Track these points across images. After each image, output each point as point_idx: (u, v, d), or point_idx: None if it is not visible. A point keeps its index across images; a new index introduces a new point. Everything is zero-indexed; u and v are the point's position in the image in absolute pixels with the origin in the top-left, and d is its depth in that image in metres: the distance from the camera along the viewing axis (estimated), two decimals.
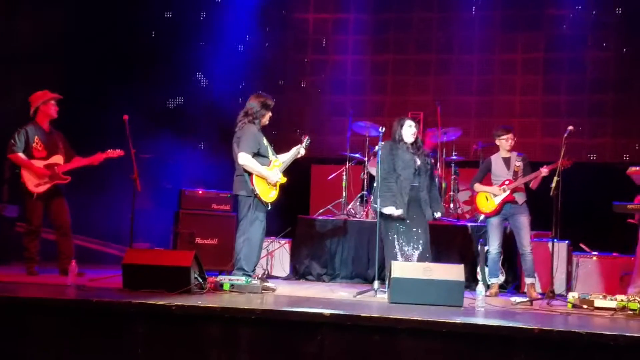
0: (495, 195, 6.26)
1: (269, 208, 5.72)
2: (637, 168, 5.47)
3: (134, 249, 5.74)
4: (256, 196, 5.63)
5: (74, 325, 4.46)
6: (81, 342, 4.43)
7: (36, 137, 6.27)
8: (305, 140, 5.97)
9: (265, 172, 5.69)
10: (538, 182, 6.14)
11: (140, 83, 8.74)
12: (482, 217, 6.49)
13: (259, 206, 5.68)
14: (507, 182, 6.24)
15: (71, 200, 6.51)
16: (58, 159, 6.30)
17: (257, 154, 5.73)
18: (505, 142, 6.31)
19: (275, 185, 5.74)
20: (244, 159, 5.62)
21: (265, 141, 5.82)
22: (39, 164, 6.24)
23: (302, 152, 5.96)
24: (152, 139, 7.66)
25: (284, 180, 5.82)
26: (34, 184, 6.19)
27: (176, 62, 9.18)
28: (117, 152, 6.35)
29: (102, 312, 4.45)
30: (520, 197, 6.22)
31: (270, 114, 5.85)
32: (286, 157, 5.92)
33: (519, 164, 6.27)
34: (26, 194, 6.22)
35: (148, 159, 7.44)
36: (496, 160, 6.39)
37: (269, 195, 5.71)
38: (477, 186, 6.43)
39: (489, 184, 6.38)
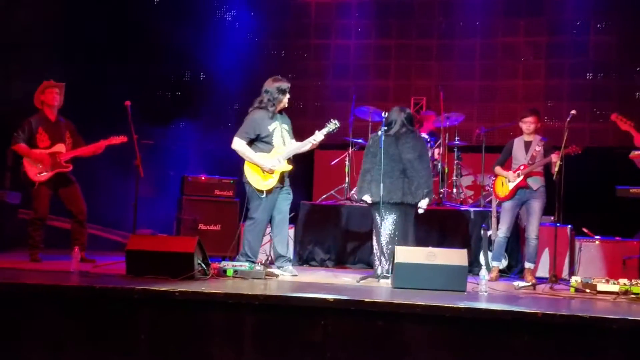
0: (510, 181, 6.24)
1: (264, 196, 5.65)
2: (638, 152, 5.45)
3: (137, 235, 5.76)
4: (247, 183, 5.66)
5: (77, 312, 4.46)
6: (84, 328, 4.44)
7: (40, 127, 6.28)
8: (328, 126, 5.79)
9: (257, 160, 5.64)
10: (555, 167, 6.08)
11: (141, 69, 8.72)
12: (496, 201, 6.46)
13: (254, 193, 5.68)
14: (522, 167, 6.21)
15: None
16: (60, 147, 6.29)
17: (259, 140, 5.70)
18: (524, 125, 6.25)
19: (271, 172, 5.69)
20: (235, 144, 5.67)
21: (274, 126, 5.72)
22: (41, 152, 6.24)
23: (319, 137, 5.78)
24: (154, 124, 7.67)
25: (287, 168, 5.76)
26: (36, 173, 6.20)
27: (177, 47, 9.14)
28: (120, 139, 6.34)
29: (106, 299, 4.46)
30: (535, 183, 6.17)
31: (288, 96, 5.78)
32: (293, 145, 5.83)
33: (539, 148, 6.18)
34: (28, 183, 6.23)
35: (151, 145, 7.44)
36: (518, 144, 6.33)
37: (265, 182, 5.66)
38: (497, 170, 6.40)
39: (511, 168, 6.32)
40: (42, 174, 6.21)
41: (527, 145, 6.27)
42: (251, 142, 5.73)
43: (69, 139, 6.39)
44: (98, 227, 8.09)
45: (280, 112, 5.84)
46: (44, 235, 6.34)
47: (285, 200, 5.83)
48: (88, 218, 6.44)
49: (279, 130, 5.76)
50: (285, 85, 5.75)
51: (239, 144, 5.66)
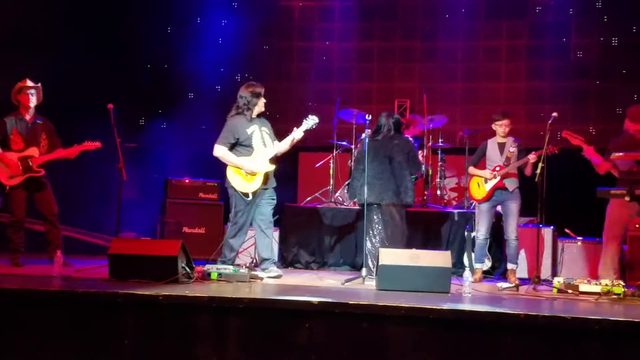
0: (486, 182, 6.28)
1: (249, 198, 5.69)
2: (621, 154, 5.52)
3: (120, 239, 5.72)
4: (230, 187, 5.74)
5: (59, 317, 4.43)
6: (67, 333, 4.41)
7: (14, 128, 6.23)
8: (306, 122, 5.84)
9: (239, 162, 5.72)
10: (531, 168, 6.12)
11: (124, 71, 8.66)
12: (473, 203, 6.51)
13: (237, 197, 5.71)
14: (497, 168, 6.25)
15: (57, 190, 6.46)
16: (33, 151, 6.22)
17: (239, 144, 5.77)
18: (499, 127, 6.31)
19: (254, 174, 5.72)
20: (216, 151, 5.77)
21: (252, 129, 5.79)
22: (12, 156, 6.17)
23: (299, 135, 5.84)
24: (138, 127, 7.62)
25: (270, 168, 5.79)
26: (7, 176, 6.14)
27: (160, 50, 9.11)
28: (95, 144, 6.29)
29: (88, 303, 4.42)
30: (510, 184, 6.23)
31: (263, 100, 5.85)
32: (275, 146, 5.86)
33: (513, 150, 6.24)
34: (1, 186, 6.18)
35: (134, 148, 7.40)
36: (492, 145, 6.37)
37: (249, 185, 5.71)
38: (472, 169, 6.44)
39: (484, 168, 6.38)
40: (13, 178, 6.15)
41: (501, 146, 6.33)
42: (232, 147, 5.79)
43: (44, 141, 6.32)
44: (80, 230, 8.02)
45: (258, 115, 5.90)
46: (24, 238, 6.28)
47: (269, 204, 5.86)
48: (71, 221, 6.39)
49: (258, 133, 5.82)
50: (259, 89, 5.84)
51: (219, 151, 5.76)
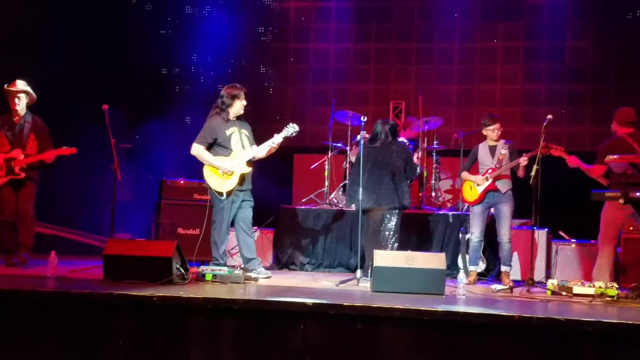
0: (478, 185, 6.29)
1: (224, 197, 5.73)
2: (615, 156, 5.53)
3: (115, 240, 5.70)
4: (207, 187, 5.82)
5: (54, 317, 4.42)
6: (61, 334, 4.40)
7: (2, 130, 6.24)
8: (286, 129, 5.90)
9: (215, 162, 5.77)
10: (523, 170, 6.14)
11: (119, 72, 8.65)
12: (465, 205, 6.53)
13: (213, 195, 5.79)
14: (489, 171, 6.27)
15: (52, 191, 6.44)
16: (16, 153, 6.22)
17: (217, 144, 5.82)
18: (491, 132, 6.32)
19: (230, 174, 5.74)
20: (193, 149, 5.83)
21: (231, 131, 5.83)
22: None
23: (278, 140, 5.87)
24: (133, 128, 7.61)
25: (246, 170, 5.82)
26: None
27: (156, 50, 9.10)
28: (70, 150, 6.29)
29: (83, 304, 4.42)
30: (503, 186, 6.24)
31: (241, 103, 5.89)
32: (254, 149, 5.89)
33: (505, 152, 6.26)
34: None
35: (129, 149, 7.38)
36: (483, 149, 6.39)
37: (224, 184, 5.75)
38: (464, 174, 6.47)
39: (477, 172, 6.40)
40: None
41: (493, 149, 6.34)
42: (210, 147, 5.84)
43: (33, 142, 6.31)
44: (75, 231, 8.01)
45: (239, 118, 5.95)
46: (17, 237, 6.25)
47: (247, 207, 5.92)
48: (66, 222, 6.37)
49: (237, 135, 5.86)
50: (237, 91, 5.88)
51: (196, 149, 5.83)
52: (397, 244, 6.05)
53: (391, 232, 6.04)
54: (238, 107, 5.89)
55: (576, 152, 8.28)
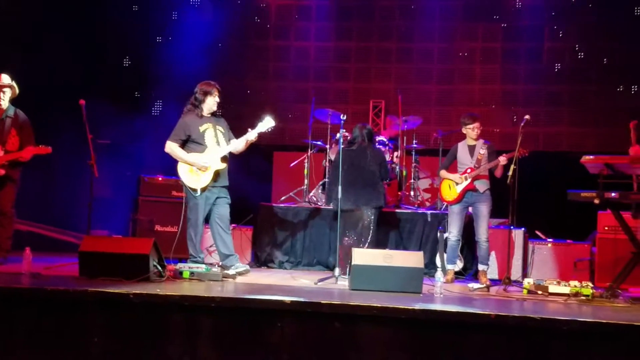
0: (457, 184, 6.33)
1: (198, 194, 5.72)
2: (591, 157, 5.58)
3: (91, 236, 5.67)
4: (182, 184, 5.82)
5: (28, 315, 4.37)
6: (36, 331, 4.35)
7: None
8: (261, 124, 5.84)
9: (189, 159, 5.76)
10: (501, 170, 6.20)
11: (98, 67, 8.57)
12: (444, 205, 6.57)
13: (187, 192, 5.79)
14: (468, 171, 6.30)
15: (28, 187, 6.35)
16: None
17: (191, 141, 5.81)
18: (471, 131, 6.35)
19: (204, 170, 5.73)
20: (167, 147, 5.83)
21: (205, 127, 5.82)
22: None
23: (253, 136, 5.84)
24: (111, 124, 7.53)
25: (221, 166, 5.80)
26: None
27: (135, 47, 9.03)
28: (45, 149, 6.19)
29: (58, 301, 4.37)
30: (481, 186, 6.28)
31: (214, 99, 5.88)
32: (229, 145, 5.86)
33: (484, 152, 6.30)
34: None
35: (107, 145, 7.30)
36: (462, 148, 6.43)
37: (198, 180, 5.74)
38: (442, 173, 6.50)
39: (455, 171, 6.43)
40: None
41: (472, 149, 6.38)
42: (184, 144, 5.82)
43: (14, 137, 6.18)
44: (51, 227, 7.91)
45: (215, 114, 5.95)
46: None
47: (223, 204, 5.89)
48: (42, 219, 6.27)
49: (212, 131, 5.85)
50: (210, 88, 5.88)
51: (169, 147, 5.81)
52: (373, 243, 6.18)
53: (367, 231, 6.21)
54: (211, 103, 5.88)
55: (553, 152, 8.46)
